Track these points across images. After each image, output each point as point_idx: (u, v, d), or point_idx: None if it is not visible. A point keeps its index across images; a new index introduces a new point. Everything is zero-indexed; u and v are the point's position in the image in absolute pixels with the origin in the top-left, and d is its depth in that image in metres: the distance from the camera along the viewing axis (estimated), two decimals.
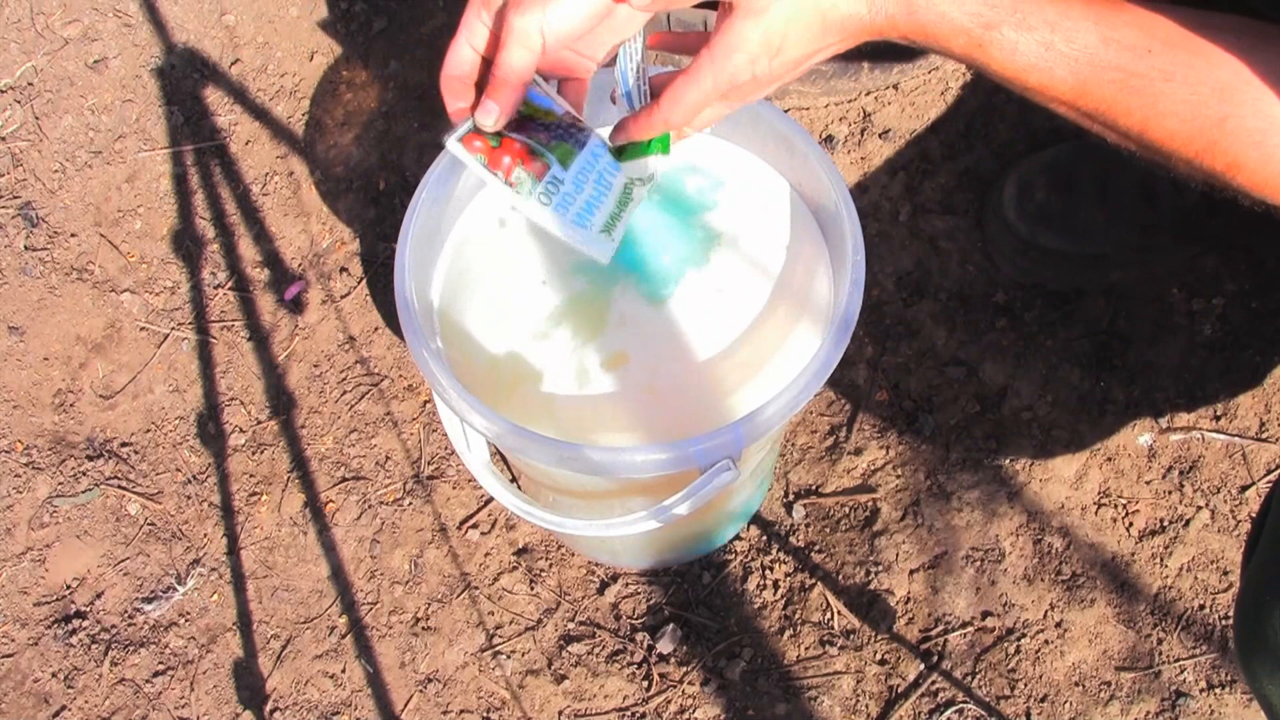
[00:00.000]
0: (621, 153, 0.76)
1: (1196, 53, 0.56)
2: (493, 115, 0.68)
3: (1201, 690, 1.10)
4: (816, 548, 1.19)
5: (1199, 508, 1.18)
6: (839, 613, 1.16)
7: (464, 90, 0.70)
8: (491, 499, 1.19)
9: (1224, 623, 1.13)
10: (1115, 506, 1.18)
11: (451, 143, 0.70)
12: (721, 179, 0.91)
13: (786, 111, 1.27)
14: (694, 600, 1.17)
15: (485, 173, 0.71)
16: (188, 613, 1.21)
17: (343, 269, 1.37)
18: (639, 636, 1.16)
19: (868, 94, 1.36)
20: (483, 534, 1.22)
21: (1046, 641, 1.13)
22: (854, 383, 1.26)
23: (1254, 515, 1.17)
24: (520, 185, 0.71)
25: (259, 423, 1.29)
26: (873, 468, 1.22)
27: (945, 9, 0.58)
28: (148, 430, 1.30)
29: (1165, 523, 1.17)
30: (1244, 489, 1.18)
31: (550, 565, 1.20)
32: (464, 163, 0.70)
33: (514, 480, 1.22)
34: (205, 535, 1.24)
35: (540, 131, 0.73)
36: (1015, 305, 1.27)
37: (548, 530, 1.20)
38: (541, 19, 0.63)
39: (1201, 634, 1.13)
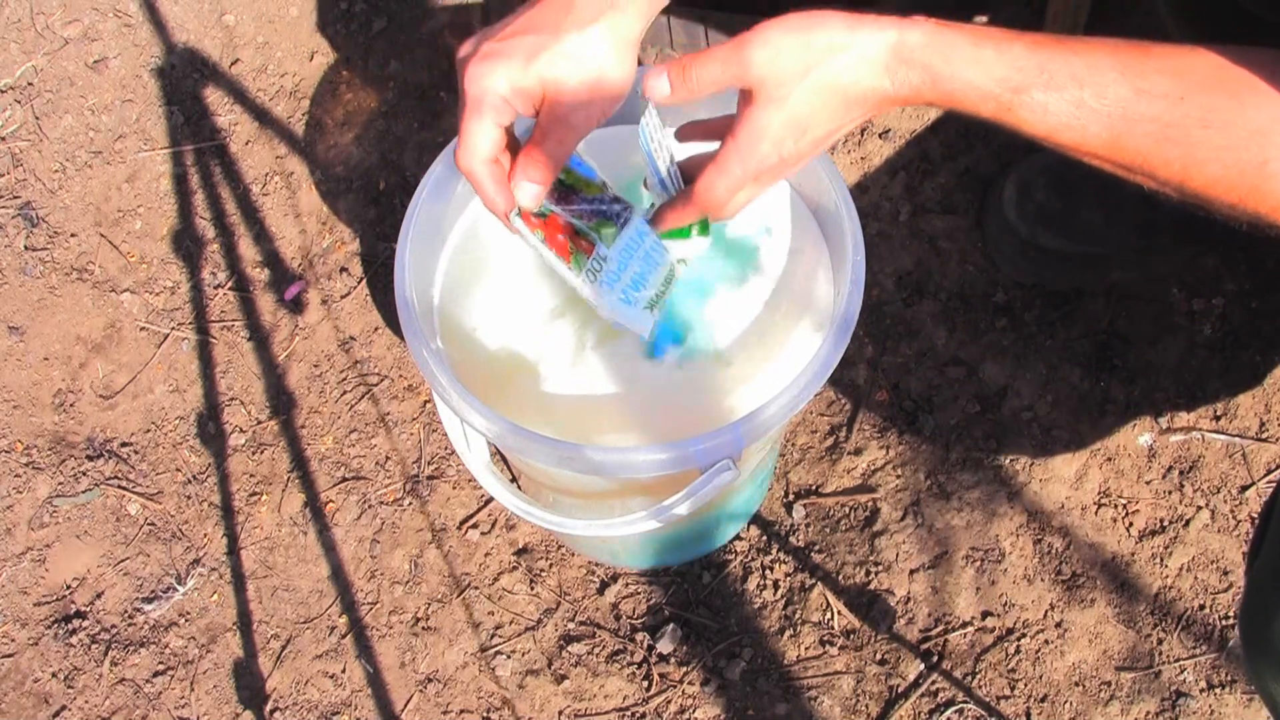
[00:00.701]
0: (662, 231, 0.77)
1: (1232, 95, 0.55)
2: (533, 194, 0.68)
3: (1201, 690, 1.10)
4: (816, 548, 1.19)
5: (1199, 508, 1.18)
6: (839, 613, 1.16)
7: (502, 174, 0.69)
8: (491, 499, 1.19)
9: (1224, 623, 1.13)
10: (1115, 506, 1.18)
11: (514, 220, 0.70)
12: None
13: None
14: (694, 600, 1.17)
15: (546, 250, 0.72)
16: (188, 613, 1.21)
17: (343, 269, 1.37)
18: (639, 636, 1.16)
19: None
20: (483, 534, 1.22)
21: (1046, 641, 1.13)
22: (854, 383, 1.26)
23: (1255, 516, 1.17)
24: (575, 263, 0.73)
25: (259, 423, 1.29)
26: (873, 468, 1.22)
27: (971, 76, 0.58)
28: (148, 430, 1.30)
29: (1165, 523, 1.17)
30: (1244, 489, 1.18)
31: (550, 565, 1.20)
32: (527, 240, 0.71)
33: (514, 480, 1.22)
34: (205, 535, 1.24)
35: (583, 205, 0.74)
36: (1015, 305, 1.27)
37: (548, 530, 1.20)
38: (600, 115, 0.65)
39: (1201, 634, 1.13)
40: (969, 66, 0.58)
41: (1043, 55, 0.57)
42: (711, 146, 0.68)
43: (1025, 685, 1.12)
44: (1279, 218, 0.56)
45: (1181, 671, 1.11)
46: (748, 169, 0.64)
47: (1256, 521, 0.82)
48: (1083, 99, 0.56)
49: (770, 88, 0.60)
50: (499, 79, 0.64)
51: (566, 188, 0.75)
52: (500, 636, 1.17)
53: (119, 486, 1.27)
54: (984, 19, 1.36)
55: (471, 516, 1.23)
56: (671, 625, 1.15)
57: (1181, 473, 1.19)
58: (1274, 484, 1.17)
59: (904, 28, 0.59)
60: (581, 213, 0.74)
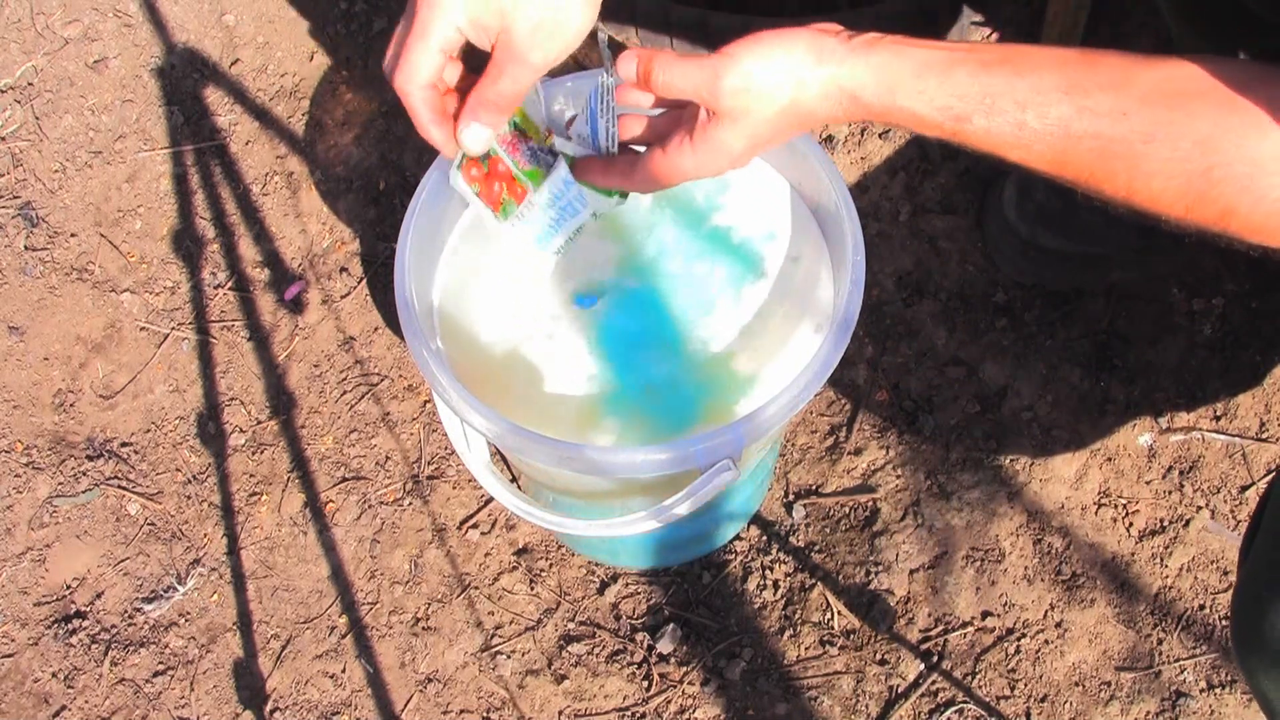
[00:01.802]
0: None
1: (1174, 108, 0.56)
2: (482, 138, 0.68)
3: (1201, 690, 1.10)
4: (816, 548, 1.19)
5: (1199, 508, 1.18)
6: (839, 613, 1.16)
7: (439, 102, 0.68)
8: (491, 499, 1.19)
9: (1224, 623, 1.13)
10: (1115, 506, 1.18)
11: (453, 175, 0.70)
12: (728, 182, 0.91)
13: None
14: (694, 600, 1.17)
15: (481, 208, 0.73)
16: (188, 613, 1.21)
17: (343, 269, 1.37)
18: (639, 636, 1.16)
19: None
20: (483, 534, 1.22)
21: (1046, 641, 1.13)
22: (854, 383, 1.26)
23: (1246, 527, 1.17)
24: (503, 211, 0.74)
25: (259, 423, 1.29)
26: (873, 468, 1.22)
27: (915, 107, 0.60)
28: (148, 430, 1.30)
29: (1165, 523, 1.17)
30: (1244, 489, 1.18)
31: (550, 565, 1.20)
32: (464, 198, 0.72)
33: (514, 480, 1.22)
34: (205, 535, 1.24)
35: (523, 152, 0.74)
36: (1015, 305, 1.27)
37: (548, 530, 1.20)
38: (557, 54, 0.65)
39: (1201, 634, 1.13)
40: (912, 99, 0.60)
41: (985, 80, 0.59)
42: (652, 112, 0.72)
43: (1025, 685, 1.12)
44: (1227, 223, 0.56)
45: (1181, 671, 1.11)
46: (697, 172, 0.67)
47: (1251, 515, 0.82)
48: (1024, 121, 0.58)
49: (736, 116, 0.63)
50: (455, 6, 0.63)
51: (519, 131, 0.73)
52: (500, 636, 1.17)
53: (119, 486, 1.27)
54: (980, 21, 1.36)
55: (471, 516, 1.23)
56: (671, 625, 1.15)
57: (1181, 473, 1.19)
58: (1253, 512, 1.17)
59: (858, 64, 0.62)
60: (521, 158, 0.74)
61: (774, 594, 1.17)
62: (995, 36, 1.39)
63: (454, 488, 1.24)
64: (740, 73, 0.62)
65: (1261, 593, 0.76)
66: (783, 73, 0.62)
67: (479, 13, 0.63)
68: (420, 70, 0.65)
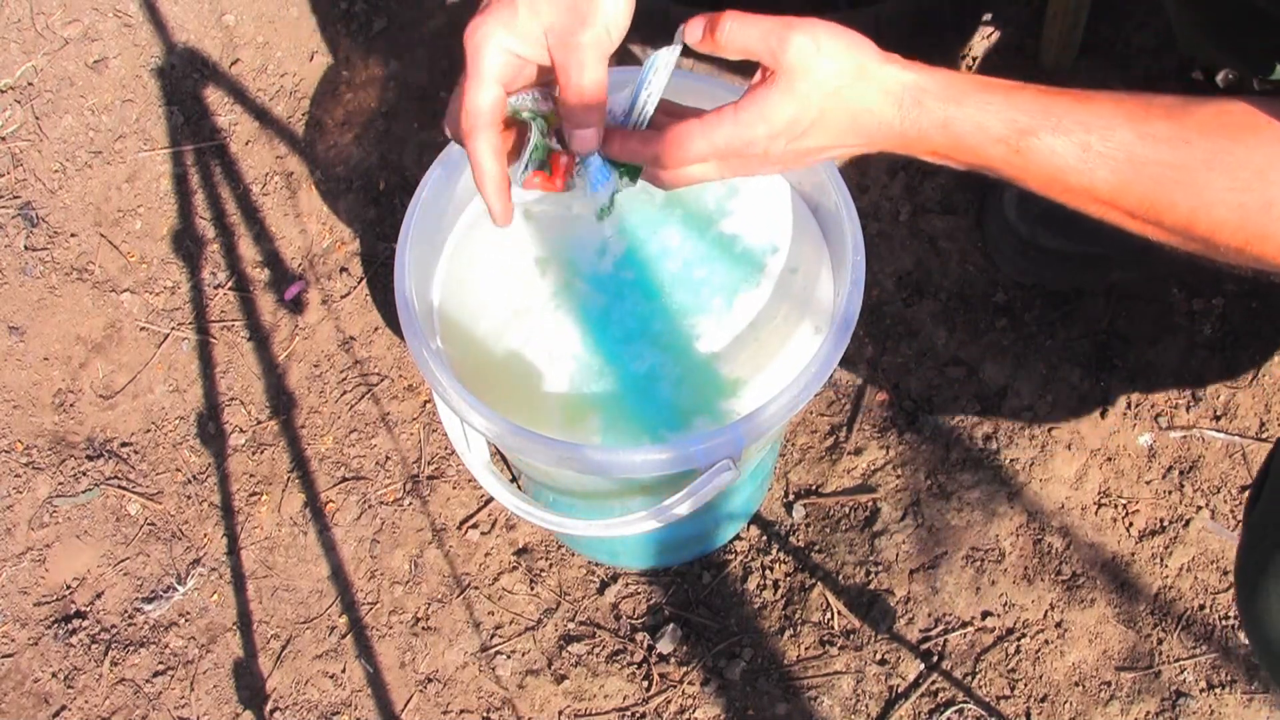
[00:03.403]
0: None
1: (1233, 139, 0.56)
2: (588, 140, 0.66)
3: (1201, 690, 1.10)
4: (816, 548, 1.19)
5: (1199, 508, 1.18)
6: (839, 613, 1.16)
7: (503, 157, 0.66)
8: (491, 499, 1.19)
9: (1224, 623, 1.13)
10: (1115, 506, 1.18)
11: (517, 188, 0.67)
12: (736, 185, 0.91)
13: None
14: (694, 600, 1.17)
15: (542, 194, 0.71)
16: (188, 613, 1.21)
17: (343, 269, 1.37)
18: (639, 636, 1.16)
19: None
20: (483, 534, 1.22)
21: (1046, 641, 1.13)
22: (854, 383, 1.26)
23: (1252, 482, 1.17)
24: (567, 186, 0.71)
25: (259, 423, 1.29)
26: (873, 468, 1.22)
27: (980, 119, 0.59)
28: (148, 430, 1.30)
29: (1165, 523, 1.17)
30: (1244, 489, 1.18)
31: (550, 565, 1.20)
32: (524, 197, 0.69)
33: (514, 480, 1.22)
34: (205, 535, 1.24)
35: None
36: (1015, 305, 1.27)
37: (548, 530, 1.20)
38: (605, 29, 0.63)
39: (1201, 634, 1.13)
40: (979, 110, 0.59)
41: (1048, 101, 0.58)
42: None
43: (1025, 685, 1.12)
44: None
45: (1181, 671, 1.11)
46: (733, 141, 0.62)
47: (1257, 474, 0.83)
48: (1089, 143, 0.57)
49: (795, 77, 0.60)
50: (495, 28, 0.62)
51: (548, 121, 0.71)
52: (500, 636, 1.17)
53: (119, 486, 1.27)
54: (979, 21, 1.36)
55: (471, 516, 1.23)
56: (671, 625, 1.15)
57: (1181, 473, 1.19)
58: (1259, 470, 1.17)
59: (922, 71, 0.60)
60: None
61: (774, 594, 1.17)
62: (996, 36, 1.39)
63: (454, 488, 1.24)
64: (811, 32, 0.60)
65: (1267, 546, 0.76)
66: (852, 51, 0.60)
67: (519, 22, 0.62)
68: (481, 107, 0.63)
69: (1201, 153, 0.56)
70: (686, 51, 0.66)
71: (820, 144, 0.62)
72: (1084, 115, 0.58)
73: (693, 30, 0.63)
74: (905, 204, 1.32)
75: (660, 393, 0.83)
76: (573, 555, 1.21)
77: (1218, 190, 0.56)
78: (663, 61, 0.66)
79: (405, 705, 1.15)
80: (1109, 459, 1.20)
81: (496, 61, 0.63)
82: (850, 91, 0.60)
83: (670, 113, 0.69)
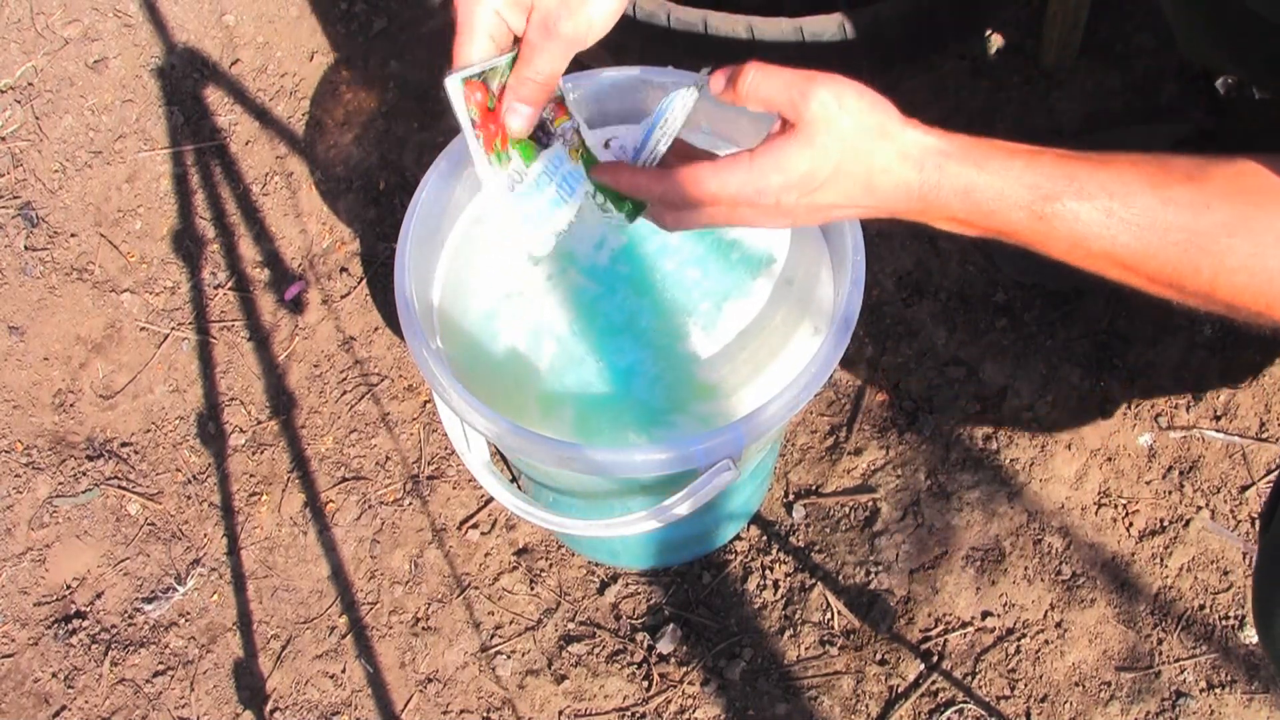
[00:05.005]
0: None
1: (1253, 203, 0.56)
2: (523, 118, 0.66)
3: (1201, 690, 1.10)
4: (816, 548, 1.19)
5: (1199, 508, 1.18)
6: (839, 613, 1.16)
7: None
8: (491, 499, 1.19)
9: (1224, 623, 1.13)
10: (1115, 506, 1.18)
11: (453, 81, 0.66)
12: None
13: None
14: (694, 600, 1.17)
15: (470, 130, 0.68)
16: (188, 613, 1.21)
17: (343, 269, 1.37)
18: (639, 636, 1.16)
19: None
20: (483, 534, 1.22)
21: (1046, 641, 1.13)
22: (854, 383, 1.26)
23: (1255, 516, 1.17)
24: (497, 157, 0.69)
25: (259, 423, 1.29)
26: (873, 468, 1.22)
27: (1003, 186, 0.58)
28: (148, 430, 1.30)
29: (1165, 523, 1.17)
30: (1244, 489, 1.18)
31: (550, 565, 1.20)
32: (454, 109, 0.67)
33: (514, 480, 1.22)
34: (205, 535, 1.24)
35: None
36: (1015, 305, 1.27)
37: (548, 530, 1.20)
38: (588, 25, 0.63)
39: (1201, 634, 1.13)
40: (1000, 176, 0.58)
41: (1070, 166, 0.58)
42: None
43: (1025, 685, 1.12)
44: None
45: (1181, 671, 1.11)
46: (745, 190, 0.61)
47: (1272, 487, 0.82)
48: (1112, 208, 0.57)
49: (815, 130, 0.59)
50: None
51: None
52: (500, 636, 1.17)
53: (119, 486, 1.27)
54: (979, 21, 1.36)
55: (471, 516, 1.23)
56: (671, 625, 1.15)
57: (1181, 473, 1.19)
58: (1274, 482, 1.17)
59: (943, 136, 0.60)
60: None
61: (774, 594, 1.17)
62: (996, 37, 1.39)
63: (454, 488, 1.24)
64: (835, 88, 0.59)
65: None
66: (875, 110, 0.60)
67: None
68: (470, 60, 0.65)
69: (1223, 218, 0.56)
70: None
71: (833, 201, 0.61)
72: (1105, 180, 0.57)
73: (716, 81, 0.63)
74: None
75: (636, 389, 0.84)
76: (573, 555, 1.21)
77: (1240, 256, 0.56)
78: (680, 103, 0.66)
79: (405, 705, 1.15)
80: (1109, 459, 1.20)
81: (487, 19, 0.64)
82: (869, 150, 0.59)
83: (683, 155, 0.69)
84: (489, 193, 0.70)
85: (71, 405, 1.32)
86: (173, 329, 1.35)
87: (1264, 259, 0.56)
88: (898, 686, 1.12)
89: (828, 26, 1.21)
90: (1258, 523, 1.12)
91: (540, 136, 0.72)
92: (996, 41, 1.39)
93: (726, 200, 0.62)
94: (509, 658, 1.16)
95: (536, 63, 0.65)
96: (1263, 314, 0.57)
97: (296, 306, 1.35)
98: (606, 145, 0.73)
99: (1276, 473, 0.82)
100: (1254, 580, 0.81)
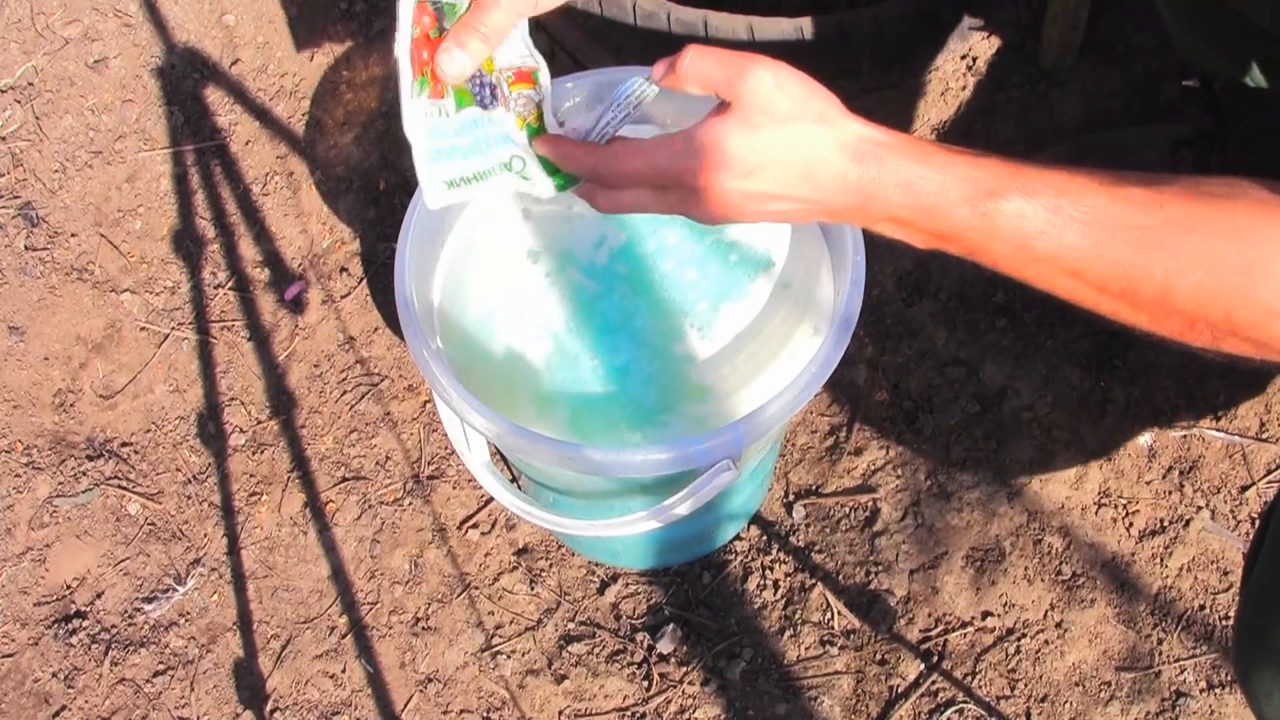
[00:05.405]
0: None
1: (1210, 204, 0.53)
2: (455, 64, 0.63)
3: (1201, 690, 1.10)
4: (816, 548, 1.19)
5: (1199, 508, 1.18)
6: (839, 613, 1.16)
7: None
8: (491, 499, 1.19)
9: (1224, 623, 1.13)
10: (1115, 506, 1.18)
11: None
12: None
13: None
14: (694, 600, 1.17)
15: (405, 45, 0.65)
16: (188, 613, 1.21)
17: (343, 269, 1.37)
18: (639, 636, 1.16)
19: (868, 94, 1.36)
20: (483, 534, 1.22)
21: (1046, 641, 1.13)
22: (854, 383, 1.26)
23: (1255, 516, 1.17)
24: (420, 82, 0.66)
25: (259, 423, 1.29)
26: (873, 468, 1.22)
27: (945, 180, 0.55)
28: (148, 430, 1.30)
29: (1165, 523, 1.17)
30: (1244, 489, 1.18)
31: (550, 565, 1.20)
32: (399, 19, 0.63)
33: (514, 480, 1.22)
34: (205, 535, 1.24)
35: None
36: (1015, 305, 1.27)
37: (548, 530, 1.20)
38: None
39: (1201, 634, 1.13)
40: (943, 170, 0.55)
41: (1016, 165, 0.55)
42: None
43: (1025, 685, 1.12)
44: (1269, 325, 0.52)
45: (1181, 671, 1.11)
46: (672, 167, 0.58)
47: (1255, 528, 0.82)
48: (1060, 205, 0.54)
49: (750, 110, 0.56)
50: None
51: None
52: (500, 636, 1.17)
53: (119, 486, 1.27)
54: (979, 22, 1.36)
55: (471, 516, 1.23)
56: (671, 625, 1.15)
57: (1181, 473, 1.19)
58: (1274, 484, 1.17)
59: (885, 130, 0.57)
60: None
61: (774, 594, 1.17)
62: (996, 37, 1.39)
63: (454, 488, 1.24)
64: (773, 69, 0.56)
65: (1269, 611, 0.75)
66: (815, 96, 0.57)
67: None
68: None
69: (1177, 214, 0.53)
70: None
71: (768, 189, 0.57)
72: (1054, 178, 0.55)
73: (658, 68, 0.61)
74: None
75: (629, 388, 0.84)
76: (573, 555, 1.21)
77: (1194, 252, 0.52)
78: (637, 89, 0.64)
79: (405, 705, 1.15)
80: (1109, 459, 1.20)
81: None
82: (807, 136, 0.56)
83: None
84: (406, 117, 0.68)
85: (71, 405, 1.32)
86: (173, 329, 1.35)
87: (1222, 255, 0.52)
88: (898, 686, 1.12)
89: (828, 26, 1.21)
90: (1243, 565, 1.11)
91: (484, 96, 0.70)
92: (995, 41, 1.39)
93: (655, 178, 0.59)
94: (509, 658, 1.16)
95: (485, 15, 0.62)
96: (1223, 322, 0.53)
97: (296, 306, 1.35)
98: (561, 124, 0.71)
99: (1260, 518, 0.81)
100: (1235, 632, 0.80)
